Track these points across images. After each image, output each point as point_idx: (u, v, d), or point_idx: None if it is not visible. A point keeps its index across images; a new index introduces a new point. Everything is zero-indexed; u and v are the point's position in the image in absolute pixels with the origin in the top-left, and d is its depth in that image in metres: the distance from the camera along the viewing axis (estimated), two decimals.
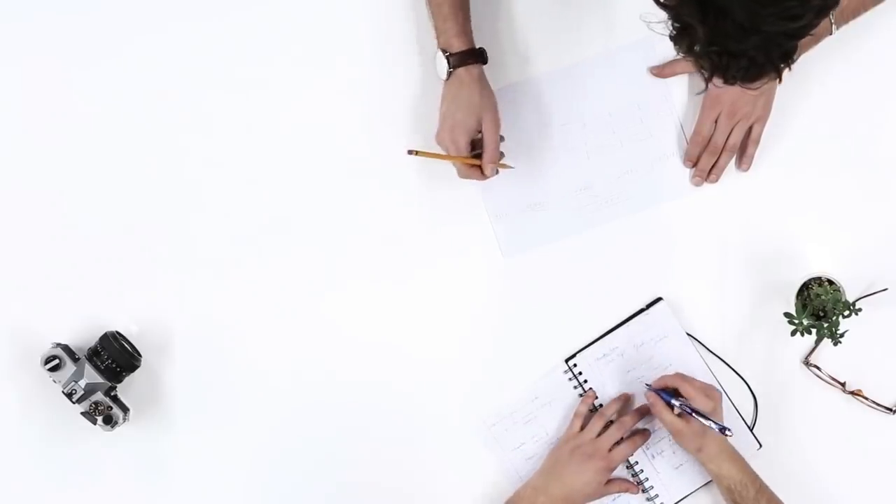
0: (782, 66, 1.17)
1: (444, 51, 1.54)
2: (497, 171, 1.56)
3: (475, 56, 1.54)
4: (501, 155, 1.57)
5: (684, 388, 1.54)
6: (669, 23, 1.17)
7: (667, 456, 1.61)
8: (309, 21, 1.64)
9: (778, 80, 1.19)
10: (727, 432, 1.51)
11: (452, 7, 1.54)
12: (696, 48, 1.16)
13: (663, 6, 1.15)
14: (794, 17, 1.11)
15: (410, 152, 1.55)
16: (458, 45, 1.53)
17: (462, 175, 1.57)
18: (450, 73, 1.54)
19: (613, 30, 1.64)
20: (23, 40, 1.64)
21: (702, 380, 1.57)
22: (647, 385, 1.59)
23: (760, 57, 1.15)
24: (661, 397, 1.56)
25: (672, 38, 1.18)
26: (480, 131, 1.54)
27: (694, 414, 1.52)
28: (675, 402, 1.54)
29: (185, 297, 1.63)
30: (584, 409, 1.61)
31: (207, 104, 1.64)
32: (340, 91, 1.64)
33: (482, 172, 1.55)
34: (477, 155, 1.55)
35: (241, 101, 1.64)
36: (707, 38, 1.14)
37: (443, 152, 1.56)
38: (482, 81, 1.55)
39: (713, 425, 1.51)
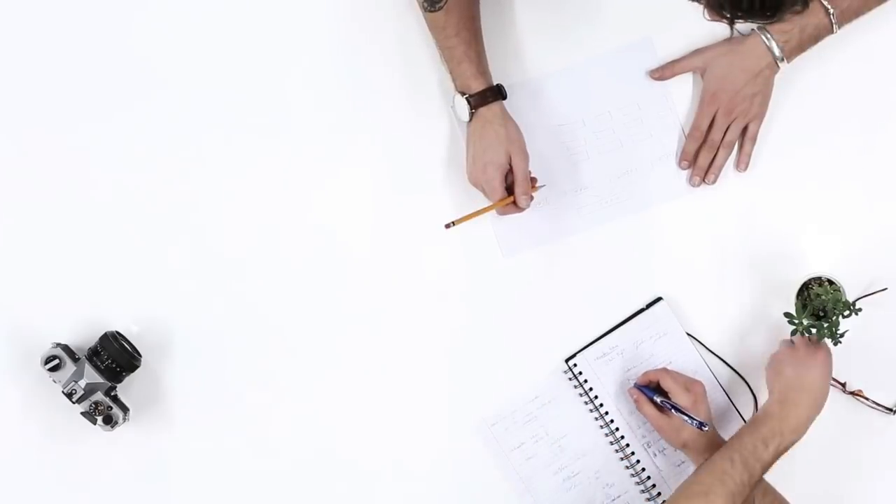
0: None
1: (462, 93, 1.54)
2: (532, 198, 1.56)
3: (495, 93, 1.54)
4: (534, 181, 1.57)
5: (665, 383, 1.56)
6: None
7: (668, 453, 1.62)
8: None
9: (803, 7, 1.16)
10: (704, 428, 1.51)
11: (466, 48, 1.53)
12: None
13: None
14: None
15: (448, 226, 1.54)
16: (476, 86, 1.54)
17: (500, 213, 1.58)
18: (472, 114, 1.54)
19: (613, 30, 1.64)
20: (24, 39, 1.64)
21: (694, 377, 1.58)
22: (634, 384, 1.60)
23: None
24: (644, 393, 1.57)
25: None
26: (511, 164, 1.55)
27: (673, 409, 1.53)
28: (656, 398, 1.55)
29: (185, 297, 1.63)
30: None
31: (215, 109, 1.64)
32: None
33: (517, 205, 1.55)
34: (508, 189, 1.56)
35: (253, 122, 1.64)
36: None
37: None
38: (505, 116, 1.55)
39: (689, 420, 1.51)
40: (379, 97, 1.64)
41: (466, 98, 1.54)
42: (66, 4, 1.63)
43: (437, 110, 1.63)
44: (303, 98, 1.64)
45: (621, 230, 1.64)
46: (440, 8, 1.52)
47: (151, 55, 1.64)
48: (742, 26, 1.59)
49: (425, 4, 1.53)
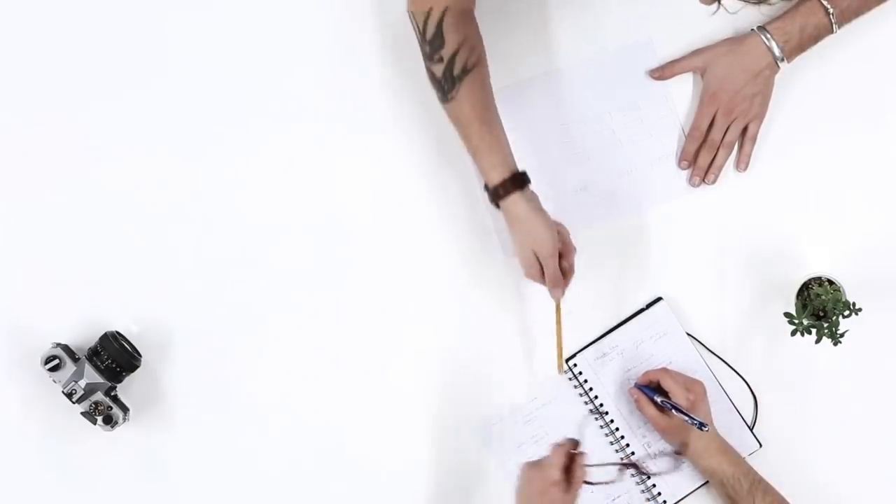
0: None
1: (486, 186, 1.49)
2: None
3: (516, 183, 1.47)
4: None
5: (665, 383, 1.56)
6: None
7: (669, 454, 1.61)
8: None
9: None
10: (704, 428, 1.51)
11: (479, 140, 1.47)
12: None
13: None
14: None
15: (563, 371, 1.60)
16: (495, 177, 1.47)
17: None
18: (498, 208, 1.49)
19: (614, 30, 1.64)
20: (24, 38, 1.64)
21: (694, 377, 1.58)
22: (634, 384, 1.60)
23: None
24: (644, 393, 1.57)
25: None
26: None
27: (674, 409, 1.53)
28: (657, 398, 1.55)
29: (185, 297, 1.63)
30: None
31: (214, 110, 1.64)
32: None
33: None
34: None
35: (253, 122, 1.65)
36: None
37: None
38: (528, 210, 1.47)
39: (689, 420, 1.51)
40: (379, 96, 1.64)
41: (488, 193, 1.49)
42: (65, 4, 1.63)
43: (437, 108, 1.63)
44: (302, 98, 1.64)
45: (621, 230, 1.64)
46: (452, 98, 1.47)
47: (151, 56, 1.64)
48: (741, 26, 1.60)
49: (439, 96, 1.49)
